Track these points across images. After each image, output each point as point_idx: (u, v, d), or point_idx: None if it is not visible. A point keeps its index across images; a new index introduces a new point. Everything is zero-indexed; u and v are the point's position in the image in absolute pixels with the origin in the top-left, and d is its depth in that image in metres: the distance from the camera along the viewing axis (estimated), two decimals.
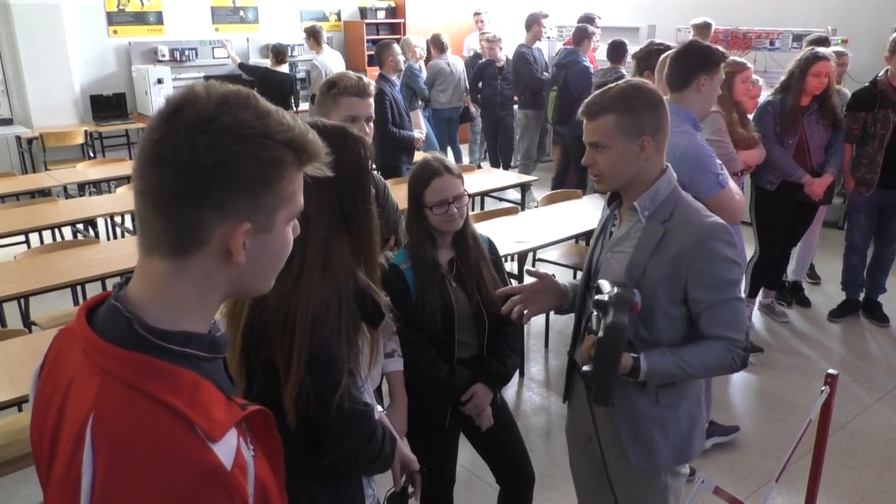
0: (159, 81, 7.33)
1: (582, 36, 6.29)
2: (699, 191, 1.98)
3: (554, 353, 4.23)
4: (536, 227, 4.10)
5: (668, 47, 3.25)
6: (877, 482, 3.06)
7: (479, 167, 7.20)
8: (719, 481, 1.93)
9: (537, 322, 4.35)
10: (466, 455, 2.59)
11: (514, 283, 2.96)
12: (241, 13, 8.41)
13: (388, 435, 1.49)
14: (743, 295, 1.98)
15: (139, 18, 7.73)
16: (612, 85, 1.72)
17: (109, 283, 3.13)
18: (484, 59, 7.30)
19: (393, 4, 9.62)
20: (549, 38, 7.79)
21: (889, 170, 4.13)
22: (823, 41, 4.76)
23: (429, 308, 2.09)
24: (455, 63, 7.28)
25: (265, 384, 1.35)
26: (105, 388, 0.78)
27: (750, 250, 4.14)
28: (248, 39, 8.42)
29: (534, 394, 3.81)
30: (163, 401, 0.77)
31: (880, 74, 4.15)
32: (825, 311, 4.66)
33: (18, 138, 7.03)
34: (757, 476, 3.08)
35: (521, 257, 3.82)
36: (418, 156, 5.25)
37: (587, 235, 4.07)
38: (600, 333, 1.57)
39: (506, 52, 7.17)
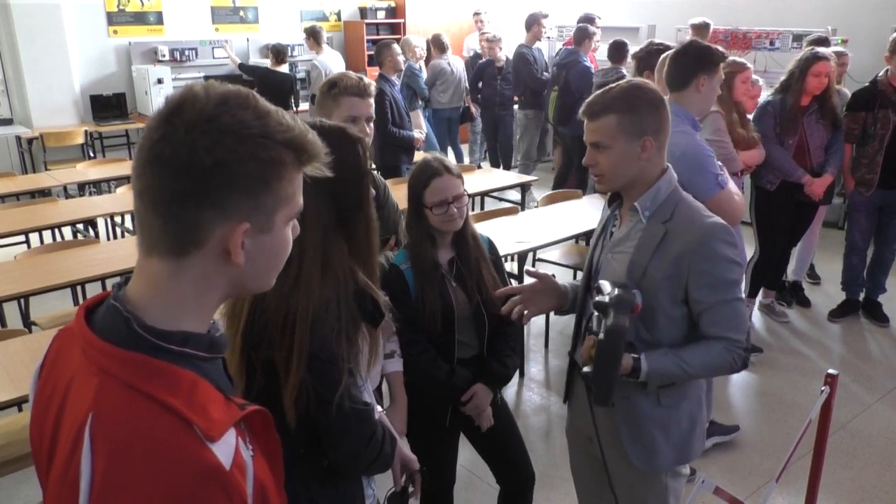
0: (159, 81, 7.34)
1: (583, 36, 6.29)
2: (698, 191, 1.98)
3: (554, 353, 4.23)
4: (536, 227, 4.10)
5: (667, 47, 3.24)
6: (877, 482, 3.06)
7: (479, 167, 7.20)
8: (719, 481, 1.93)
9: (537, 322, 4.35)
10: (466, 455, 2.58)
11: (514, 283, 2.96)
12: (241, 13, 8.42)
13: (388, 435, 1.49)
14: (743, 295, 1.98)
15: (139, 18, 7.74)
16: (614, 85, 1.72)
17: (109, 283, 3.12)
18: (484, 59, 7.30)
19: (393, 4, 9.62)
20: (549, 38, 7.79)
21: (889, 170, 4.13)
22: (823, 41, 4.76)
23: (429, 308, 2.09)
24: (456, 63, 7.28)
25: (265, 384, 1.35)
26: (104, 387, 0.78)
27: (750, 250, 4.14)
28: (248, 39, 8.42)
29: (534, 394, 3.80)
30: (161, 401, 0.77)
31: (880, 74, 4.15)
32: (825, 311, 4.66)
33: (18, 138, 7.03)
34: (757, 476, 3.08)
35: (521, 257, 3.82)
36: (418, 156, 5.25)
37: (587, 235, 4.07)
38: (601, 335, 1.57)
39: (506, 52, 7.17)
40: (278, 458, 0.96)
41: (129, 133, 7.73)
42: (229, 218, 0.82)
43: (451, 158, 3.23)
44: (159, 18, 7.85)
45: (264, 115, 0.84)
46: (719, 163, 2.57)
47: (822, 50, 3.97)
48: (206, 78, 5.87)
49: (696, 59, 2.57)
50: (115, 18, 7.59)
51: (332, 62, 7.12)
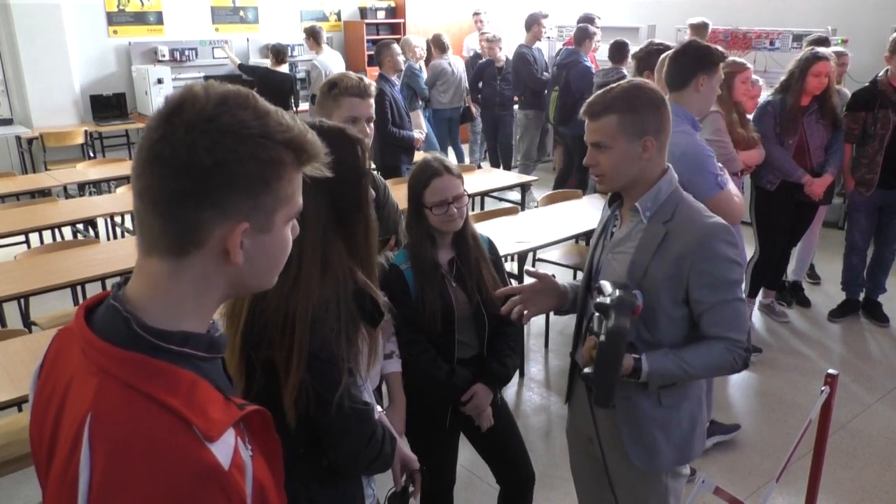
0: (159, 81, 7.34)
1: (583, 36, 6.29)
2: (698, 191, 1.98)
3: (554, 353, 4.23)
4: (536, 228, 4.10)
5: (667, 47, 3.24)
6: (877, 482, 3.06)
7: (480, 167, 7.20)
8: (719, 481, 1.93)
9: (537, 322, 4.35)
10: (466, 455, 2.58)
11: (514, 283, 2.96)
12: (241, 13, 8.41)
13: (387, 435, 1.49)
14: (744, 295, 1.98)
15: (139, 18, 7.74)
16: (615, 85, 1.72)
17: (109, 283, 3.12)
18: (484, 60, 7.30)
19: (393, 4, 9.62)
20: (549, 38, 7.79)
21: (889, 170, 4.13)
22: (823, 41, 4.76)
23: (429, 308, 2.09)
24: (456, 63, 7.28)
25: (265, 384, 1.35)
26: (103, 387, 0.78)
27: (750, 250, 4.14)
28: (248, 39, 8.42)
29: (534, 394, 3.80)
30: (161, 401, 0.77)
31: (880, 74, 4.15)
32: (825, 311, 4.66)
33: (18, 138, 7.03)
34: (757, 476, 3.08)
35: (521, 257, 3.82)
36: (418, 156, 5.25)
37: (587, 236, 4.07)
38: (602, 336, 1.57)
39: (505, 53, 7.17)
40: (278, 458, 0.96)
41: (129, 133, 7.73)
42: (229, 218, 0.82)
43: (451, 158, 3.23)
44: (159, 18, 7.85)
45: (264, 115, 0.84)
46: (719, 163, 2.57)
47: (822, 50, 3.97)
48: (206, 78, 5.85)
49: (696, 59, 2.57)
50: (115, 18, 7.60)
51: (332, 62, 7.12)
